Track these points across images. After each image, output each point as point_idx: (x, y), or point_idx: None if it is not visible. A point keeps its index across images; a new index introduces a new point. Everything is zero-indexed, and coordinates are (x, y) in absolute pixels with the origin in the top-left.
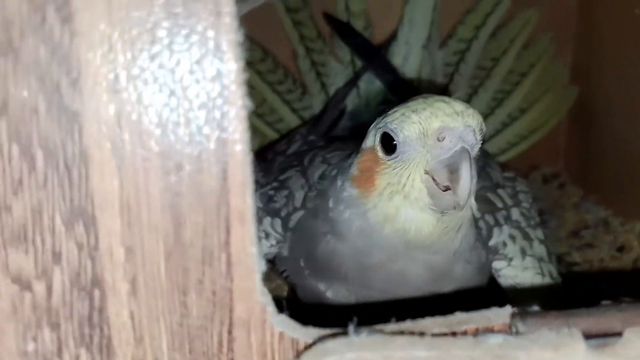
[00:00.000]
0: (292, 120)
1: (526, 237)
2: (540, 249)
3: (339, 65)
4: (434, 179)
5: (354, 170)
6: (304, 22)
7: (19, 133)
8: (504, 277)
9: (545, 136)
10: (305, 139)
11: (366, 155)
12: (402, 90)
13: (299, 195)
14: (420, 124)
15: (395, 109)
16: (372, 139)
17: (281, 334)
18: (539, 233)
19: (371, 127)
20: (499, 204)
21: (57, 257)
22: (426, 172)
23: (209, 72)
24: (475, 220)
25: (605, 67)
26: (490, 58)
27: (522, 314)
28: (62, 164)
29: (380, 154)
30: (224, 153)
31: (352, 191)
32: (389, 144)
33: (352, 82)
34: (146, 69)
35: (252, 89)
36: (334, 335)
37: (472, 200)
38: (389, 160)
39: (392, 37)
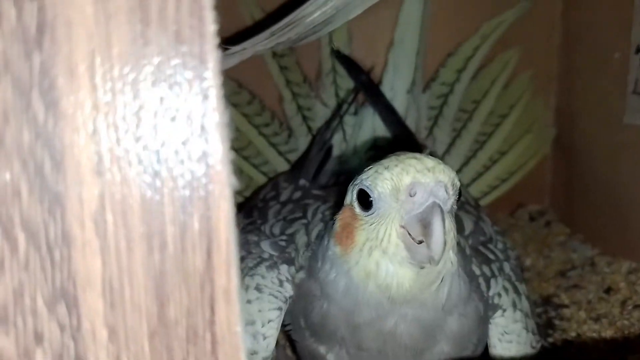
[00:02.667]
0: (278, 163)
1: (516, 291)
2: (526, 305)
3: (325, 109)
4: (409, 233)
5: (336, 226)
6: (290, 67)
7: (1, 215)
8: (495, 325)
9: (532, 174)
10: (296, 185)
11: (346, 211)
12: (401, 130)
13: (301, 255)
14: (392, 180)
15: (370, 167)
16: (350, 196)
17: None
18: (524, 288)
19: (350, 183)
20: (492, 257)
21: (39, 338)
22: (402, 227)
23: (194, 153)
24: (472, 273)
25: (587, 107)
26: (471, 100)
27: None
28: (44, 246)
29: (358, 210)
30: (208, 232)
31: (335, 249)
32: (365, 200)
33: (335, 119)
34: (130, 151)
35: (238, 132)
36: None
37: (451, 254)
38: (366, 216)
39: (377, 82)
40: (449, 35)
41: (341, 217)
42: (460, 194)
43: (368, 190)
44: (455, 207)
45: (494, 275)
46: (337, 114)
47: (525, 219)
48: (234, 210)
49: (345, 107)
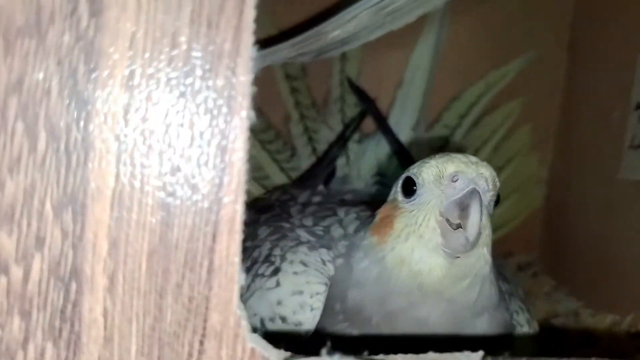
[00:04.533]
0: (279, 179)
1: (528, 311)
2: (536, 326)
3: (330, 133)
4: (447, 220)
5: (376, 220)
6: (300, 89)
7: (27, 112)
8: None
9: (522, 225)
10: (314, 190)
11: (387, 205)
12: (407, 159)
13: (341, 245)
14: (437, 167)
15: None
16: (394, 189)
17: (253, 351)
18: (533, 311)
19: (395, 182)
20: (508, 278)
21: (40, 242)
22: (440, 214)
23: (219, 81)
24: (499, 287)
25: (582, 163)
26: (472, 146)
27: (493, 357)
28: (62, 149)
29: (400, 198)
30: (222, 160)
31: (370, 239)
32: (409, 189)
33: (340, 142)
34: (161, 70)
35: None
36: (306, 356)
37: (485, 252)
38: (407, 203)
39: (384, 118)
40: (455, 79)
41: (381, 211)
42: (498, 198)
43: (414, 177)
44: (492, 206)
45: (511, 294)
46: (342, 135)
47: (512, 268)
48: (249, 143)
49: (350, 131)
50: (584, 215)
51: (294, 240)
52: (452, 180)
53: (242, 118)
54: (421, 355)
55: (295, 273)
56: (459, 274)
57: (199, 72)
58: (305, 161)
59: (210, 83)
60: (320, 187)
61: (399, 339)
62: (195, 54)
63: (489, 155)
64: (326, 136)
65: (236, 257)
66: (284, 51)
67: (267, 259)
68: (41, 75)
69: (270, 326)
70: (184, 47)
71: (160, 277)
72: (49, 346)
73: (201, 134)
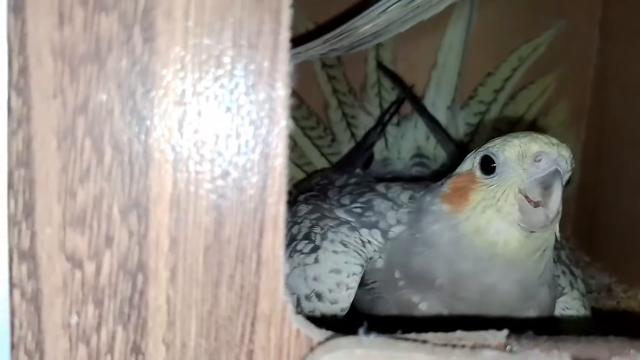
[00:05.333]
0: (321, 164)
1: (572, 274)
2: (582, 286)
3: (368, 118)
4: (526, 198)
5: (446, 189)
6: (337, 77)
7: (93, 130)
8: (557, 302)
9: None
10: (350, 174)
11: (461, 177)
12: (446, 138)
13: (391, 215)
14: (521, 146)
15: (495, 139)
16: (470, 163)
17: (298, 331)
18: (579, 272)
19: (468, 155)
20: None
21: (109, 241)
22: (520, 192)
23: (261, 95)
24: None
25: (616, 141)
26: (507, 122)
27: (517, 335)
28: (126, 160)
29: (478, 174)
30: (265, 165)
31: (442, 207)
32: (487, 166)
33: (378, 126)
34: (209, 88)
35: None
36: (345, 335)
37: (557, 226)
38: (486, 179)
39: (419, 98)
40: (488, 56)
41: (453, 181)
42: (570, 178)
43: (493, 156)
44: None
45: (555, 261)
46: (381, 121)
47: None
48: (288, 150)
49: (388, 116)
50: (617, 191)
51: (334, 220)
52: (535, 160)
53: (281, 127)
54: (450, 334)
55: (335, 252)
56: (533, 247)
57: (242, 88)
58: (345, 146)
59: (252, 98)
60: (357, 171)
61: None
62: (238, 72)
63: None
64: (364, 121)
65: (281, 250)
66: (317, 48)
67: (307, 237)
68: (104, 97)
69: (306, 305)
70: (228, 67)
71: (216, 269)
72: (120, 330)
73: (247, 143)
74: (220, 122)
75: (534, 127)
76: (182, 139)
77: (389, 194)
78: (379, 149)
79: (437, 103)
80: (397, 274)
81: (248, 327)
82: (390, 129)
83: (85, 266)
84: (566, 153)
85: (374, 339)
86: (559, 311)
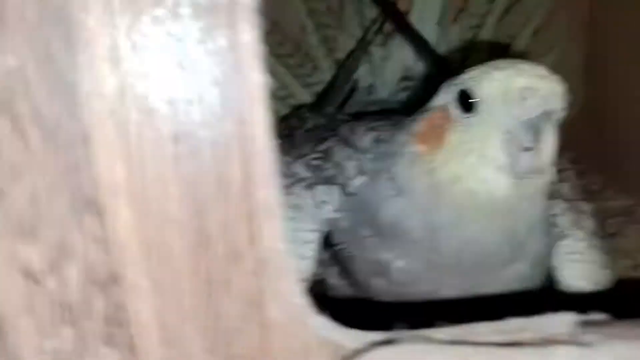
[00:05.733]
0: (303, 95)
1: (577, 210)
2: (589, 223)
3: (350, 40)
4: (513, 139)
5: (419, 127)
6: None
7: (10, 107)
8: (557, 247)
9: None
10: (322, 113)
11: (435, 114)
12: (435, 59)
13: (350, 165)
14: (503, 81)
15: (473, 69)
16: (445, 97)
17: (324, 338)
18: (588, 207)
19: (442, 85)
20: None
21: (65, 250)
22: (507, 133)
23: (220, 41)
24: None
25: (620, 54)
26: (507, 35)
27: (589, 322)
28: (60, 144)
29: (456, 112)
30: (244, 138)
31: (413, 148)
32: (465, 103)
33: (361, 50)
34: (148, 36)
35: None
36: (383, 343)
37: (551, 169)
38: (465, 118)
39: (404, 14)
40: None
41: (427, 118)
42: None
43: (472, 92)
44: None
45: (552, 195)
46: (363, 43)
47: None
48: (270, 115)
49: (370, 34)
50: (626, 104)
51: (289, 177)
52: (521, 98)
53: (254, 84)
54: (504, 323)
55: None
56: (523, 194)
57: (194, 34)
58: (327, 74)
59: (210, 47)
60: (329, 110)
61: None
62: (184, 11)
63: (528, 43)
64: (346, 44)
65: (282, 244)
66: None
67: None
68: (12, 62)
69: None
70: (169, 3)
71: (204, 273)
72: (107, 352)
73: (212, 110)
74: (173, 83)
75: (534, 39)
76: (127, 110)
77: (350, 138)
78: (363, 73)
79: (425, 18)
80: (364, 232)
81: (260, 338)
82: (375, 50)
83: (46, 282)
84: (558, 87)
85: (420, 346)
86: (561, 258)
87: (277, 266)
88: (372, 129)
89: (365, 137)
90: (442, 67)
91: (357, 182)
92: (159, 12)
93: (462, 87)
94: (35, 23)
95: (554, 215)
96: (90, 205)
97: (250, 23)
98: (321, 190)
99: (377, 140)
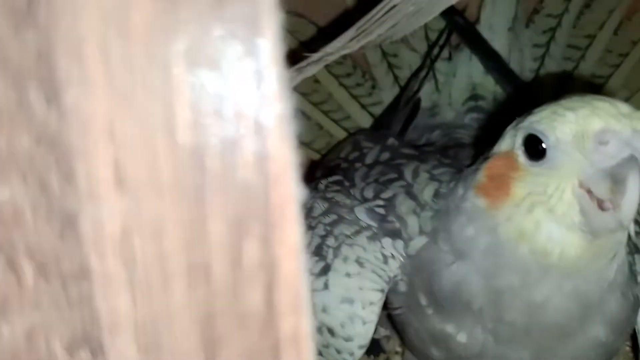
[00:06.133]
0: (361, 118)
1: None
2: None
3: (413, 55)
4: (588, 193)
5: (481, 176)
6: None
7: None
8: None
9: None
10: (383, 145)
11: (499, 160)
12: (505, 75)
13: (412, 221)
14: (578, 123)
15: (543, 107)
16: (510, 142)
17: None
18: None
19: (508, 128)
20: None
21: None
22: (581, 186)
23: (247, 156)
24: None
25: None
26: (584, 35)
27: None
28: (56, 279)
29: (522, 159)
30: (270, 262)
31: (476, 201)
32: (534, 148)
33: (426, 69)
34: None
35: (316, 84)
36: None
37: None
38: (532, 166)
39: (474, 22)
40: None
41: (490, 166)
42: None
43: (541, 135)
44: None
45: (638, 251)
46: (428, 59)
47: None
48: (302, 236)
49: (436, 51)
50: None
51: (352, 225)
52: (599, 142)
53: (275, 77)
54: None
55: (348, 275)
56: (599, 253)
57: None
58: (387, 93)
59: None
60: (391, 140)
61: None
62: None
63: (610, 41)
64: (408, 59)
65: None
66: (349, 42)
67: (318, 251)
68: (7, 194)
69: (317, 338)
70: None
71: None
72: None
73: (235, 227)
74: (184, 208)
75: (615, 36)
76: (133, 236)
77: (414, 187)
78: (427, 92)
79: (495, 24)
80: (423, 300)
81: None
82: (440, 66)
83: None
84: None
85: None
86: None
87: (293, 290)
88: (434, 178)
89: (426, 188)
90: (514, 84)
91: (417, 243)
92: (175, 131)
93: (529, 130)
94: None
95: (636, 272)
96: (90, 342)
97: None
98: (388, 243)
99: (437, 195)
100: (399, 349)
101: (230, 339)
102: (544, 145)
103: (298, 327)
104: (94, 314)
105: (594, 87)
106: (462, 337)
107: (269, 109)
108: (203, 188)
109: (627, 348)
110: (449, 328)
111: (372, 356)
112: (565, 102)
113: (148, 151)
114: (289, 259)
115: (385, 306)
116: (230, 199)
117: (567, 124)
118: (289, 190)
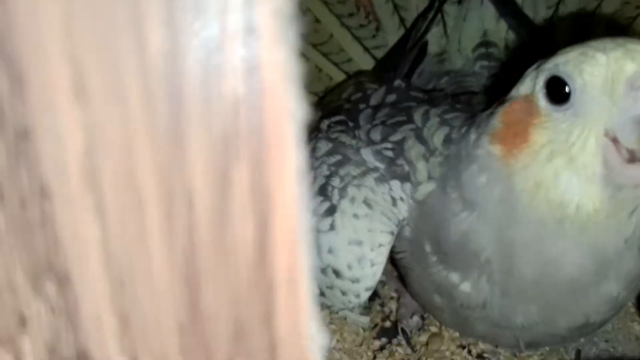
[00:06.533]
0: (364, 61)
1: None
2: None
3: None
4: (614, 142)
5: (496, 122)
6: None
7: None
8: None
9: None
10: (389, 86)
11: (517, 104)
12: (519, 20)
13: (421, 166)
14: (609, 66)
15: (569, 49)
16: (531, 85)
17: None
18: None
19: (529, 70)
20: None
21: (24, 322)
22: (606, 135)
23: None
24: None
25: None
26: None
27: None
28: (14, 198)
29: (543, 103)
30: (261, 190)
31: (491, 148)
32: (557, 92)
33: (433, 11)
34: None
35: (317, 23)
36: None
37: None
38: (555, 111)
39: None
40: None
41: (507, 111)
42: None
43: (567, 78)
44: None
45: None
46: (436, 1)
47: None
48: (302, 159)
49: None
50: None
51: (358, 166)
52: (631, 87)
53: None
54: None
55: (356, 216)
56: (619, 208)
57: None
58: (392, 36)
59: None
60: (397, 82)
61: None
62: None
63: None
64: (416, 0)
65: (309, 324)
66: None
67: (322, 191)
68: None
69: (321, 279)
70: None
71: (203, 354)
72: None
73: (221, 153)
74: (160, 126)
75: None
76: (97, 156)
77: (424, 130)
78: (435, 36)
79: None
80: (427, 248)
81: None
82: (450, 9)
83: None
84: None
85: None
86: None
87: (300, 354)
88: (445, 122)
89: (437, 134)
90: (530, 30)
91: (425, 189)
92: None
93: (554, 72)
94: None
95: None
96: (55, 273)
97: None
98: (397, 186)
99: (447, 140)
100: (394, 295)
101: (217, 277)
102: (568, 89)
103: (294, 266)
104: (58, 241)
105: (617, 29)
106: (465, 287)
107: (263, 3)
108: (180, 99)
109: (632, 310)
110: (453, 277)
111: (367, 301)
112: (595, 44)
113: (112, 54)
114: (285, 186)
115: None
116: (214, 114)
117: (597, 67)
118: (286, 105)
